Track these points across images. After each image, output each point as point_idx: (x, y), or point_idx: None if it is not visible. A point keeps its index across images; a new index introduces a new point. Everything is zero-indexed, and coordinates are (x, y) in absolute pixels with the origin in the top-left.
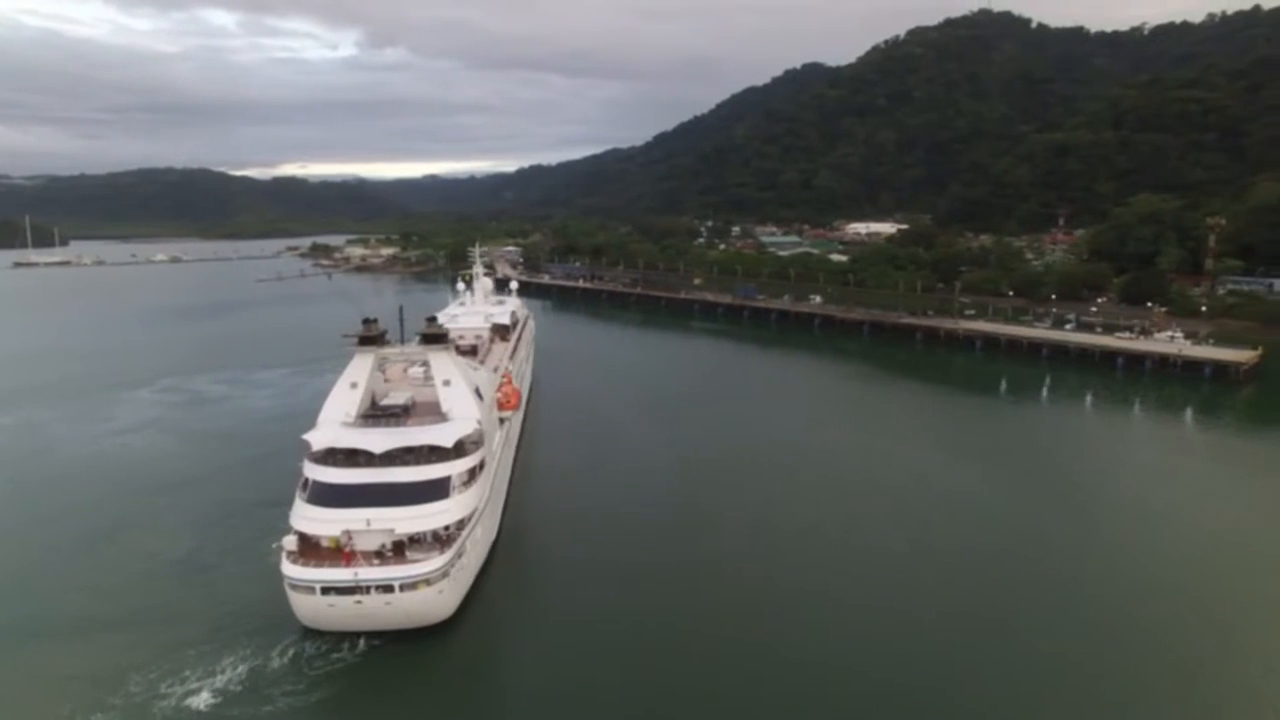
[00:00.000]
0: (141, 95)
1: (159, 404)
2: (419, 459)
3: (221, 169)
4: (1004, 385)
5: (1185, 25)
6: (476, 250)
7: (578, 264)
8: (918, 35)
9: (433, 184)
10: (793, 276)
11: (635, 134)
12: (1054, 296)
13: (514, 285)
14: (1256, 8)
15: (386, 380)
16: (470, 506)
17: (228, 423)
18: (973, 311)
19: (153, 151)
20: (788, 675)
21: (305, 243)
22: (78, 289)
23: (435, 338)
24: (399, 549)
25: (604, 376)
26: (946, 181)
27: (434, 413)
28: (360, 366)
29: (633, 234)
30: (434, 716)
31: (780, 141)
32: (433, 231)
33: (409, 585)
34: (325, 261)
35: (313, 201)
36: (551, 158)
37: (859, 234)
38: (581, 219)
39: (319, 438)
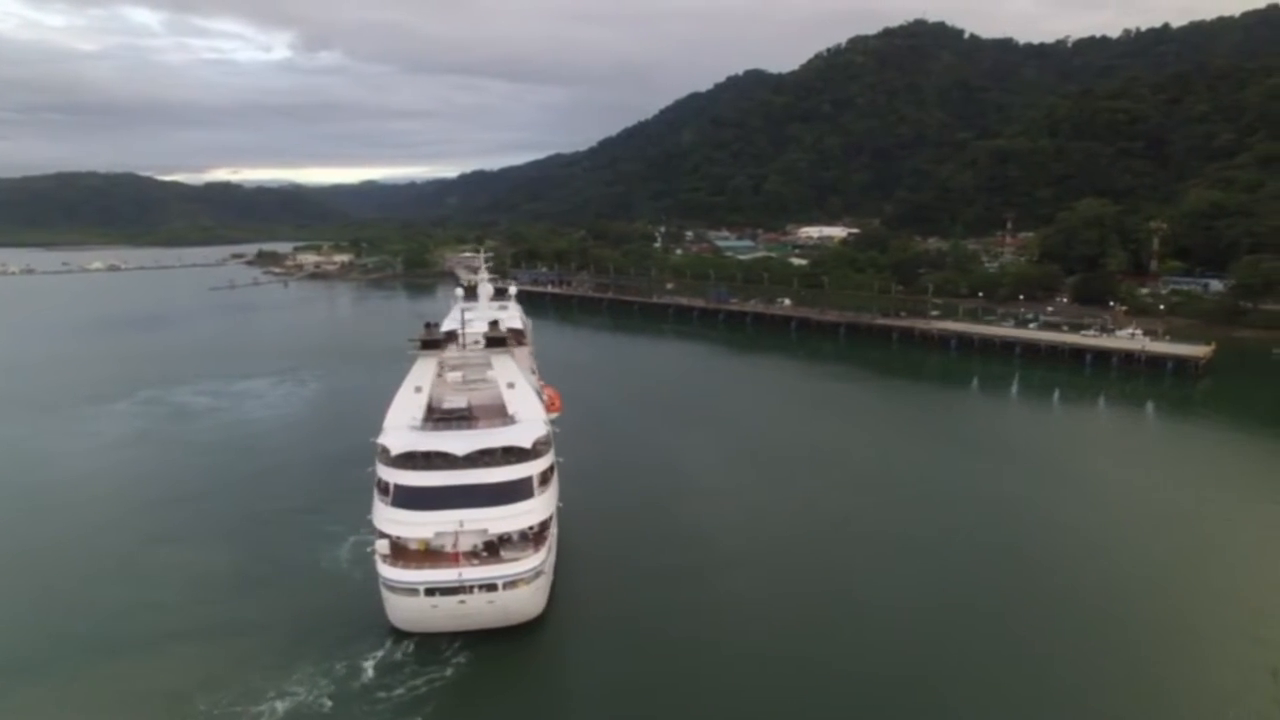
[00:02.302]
0: (56, 94)
1: (143, 416)
2: (495, 460)
3: (148, 174)
4: (985, 382)
5: (1104, 39)
6: (481, 255)
7: (544, 269)
8: (858, 44)
9: (372, 190)
10: (766, 280)
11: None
12: (1021, 297)
13: (513, 290)
14: (1166, 26)
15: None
16: (551, 505)
17: (224, 434)
18: (937, 312)
19: (71, 155)
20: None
21: (249, 250)
22: (11, 299)
23: (497, 341)
24: (492, 549)
25: (593, 380)
26: (891, 186)
27: (496, 415)
28: (424, 370)
29: (587, 239)
30: (545, 710)
31: (729, 147)
32: (381, 238)
33: (510, 584)
34: (277, 269)
35: (249, 208)
36: (493, 163)
37: (811, 237)
38: (531, 224)
39: (396, 442)
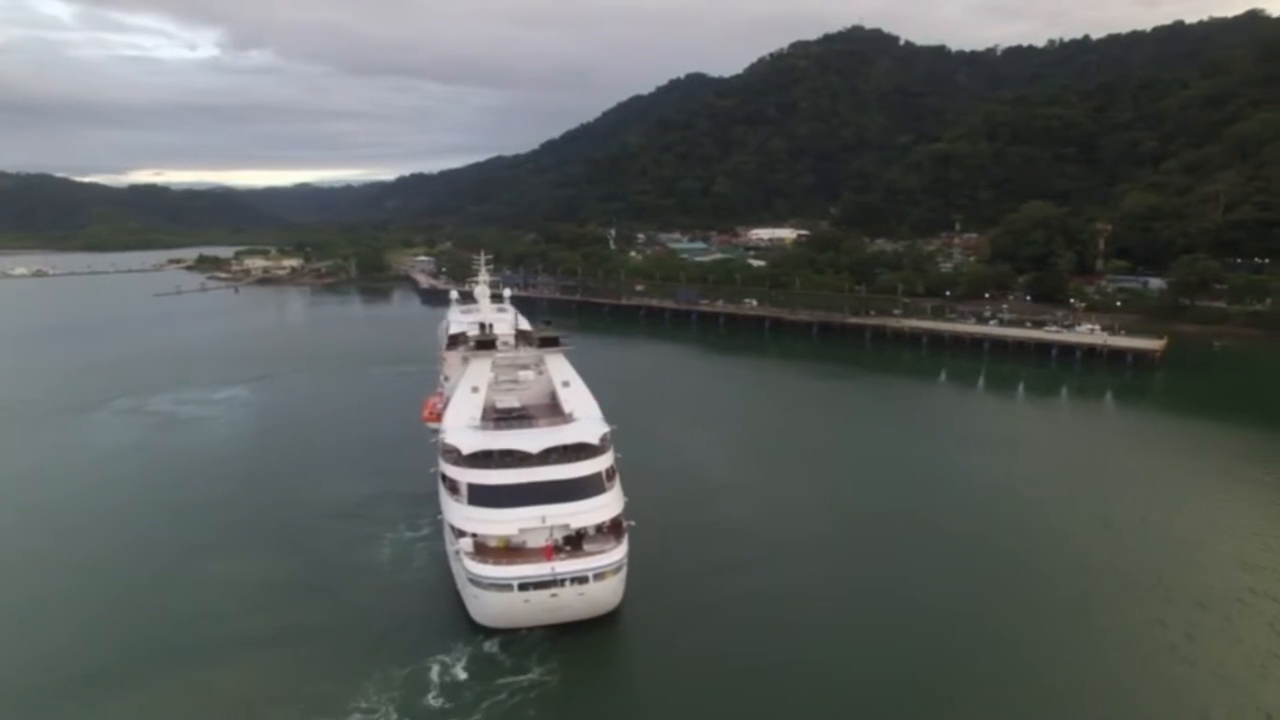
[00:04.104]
0: None
1: (131, 426)
2: (568, 457)
3: (64, 175)
4: (963, 377)
5: (1031, 48)
6: (482, 258)
7: (508, 272)
8: (800, 49)
9: (307, 192)
10: (739, 280)
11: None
12: (988, 295)
13: (507, 293)
14: (1087, 37)
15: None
16: (622, 499)
17: (223, 442)
18: (899, 311)
19: None
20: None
21: (186, 254)
22: None
23: (549, 341)
24: (574, 542)
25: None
26: (836, 189)
27: (549, 414)
28: (479, 371)
29: (540, 241)
30: (642, 698)
31: (675, 149)
32: (326, 242)
33: (599, 576)
34: (223, 274)
35: (178, 211)
36: (432, 166)
37: (762, 239)
38: (480, 228)
39: (466, 441)
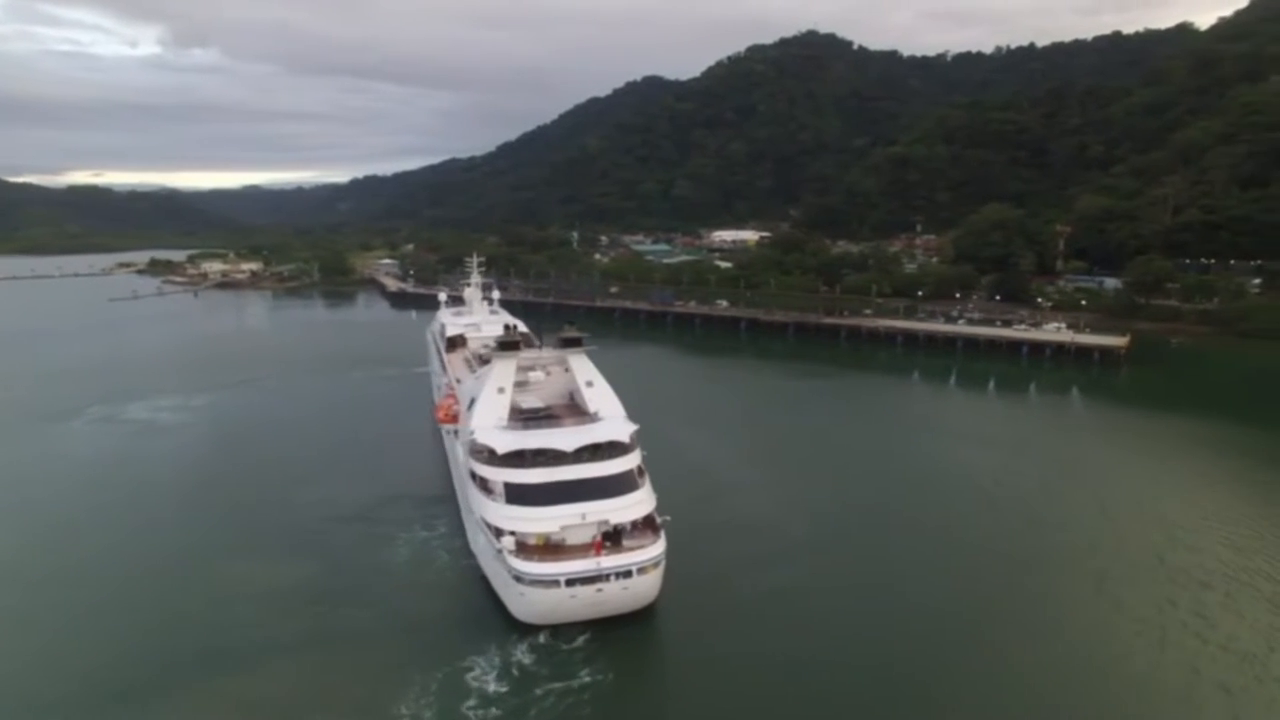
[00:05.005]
0: None
1: (112, 434)
2: (601, 455)
3: None
4: (938, 375)
5: (980, 55)
6: (474, 260)
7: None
8: (757, 52)
9: (256, 195)
10: (714, 282)
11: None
12: (959, 295)
13: (496, 295)
14: (1032, 45)
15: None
16: (653, 495)
17: (212, 449)
18: (870, 311)
19: None
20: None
21: (134, 258)
22: None
23: (572, 341)
24: (614, 538)
25: None
26: (795, 191)
27: (571, 413)
28: (504, 372)
29: (502, 244)
30: (687, 695)
31: (635, 152)
32: (283, 245)
33: (642, 570)
34: (179, 278)
35: (121, 214)
36: (385, 168)
37: (726, 241)
38: (439, 230)
39: (501, 441)
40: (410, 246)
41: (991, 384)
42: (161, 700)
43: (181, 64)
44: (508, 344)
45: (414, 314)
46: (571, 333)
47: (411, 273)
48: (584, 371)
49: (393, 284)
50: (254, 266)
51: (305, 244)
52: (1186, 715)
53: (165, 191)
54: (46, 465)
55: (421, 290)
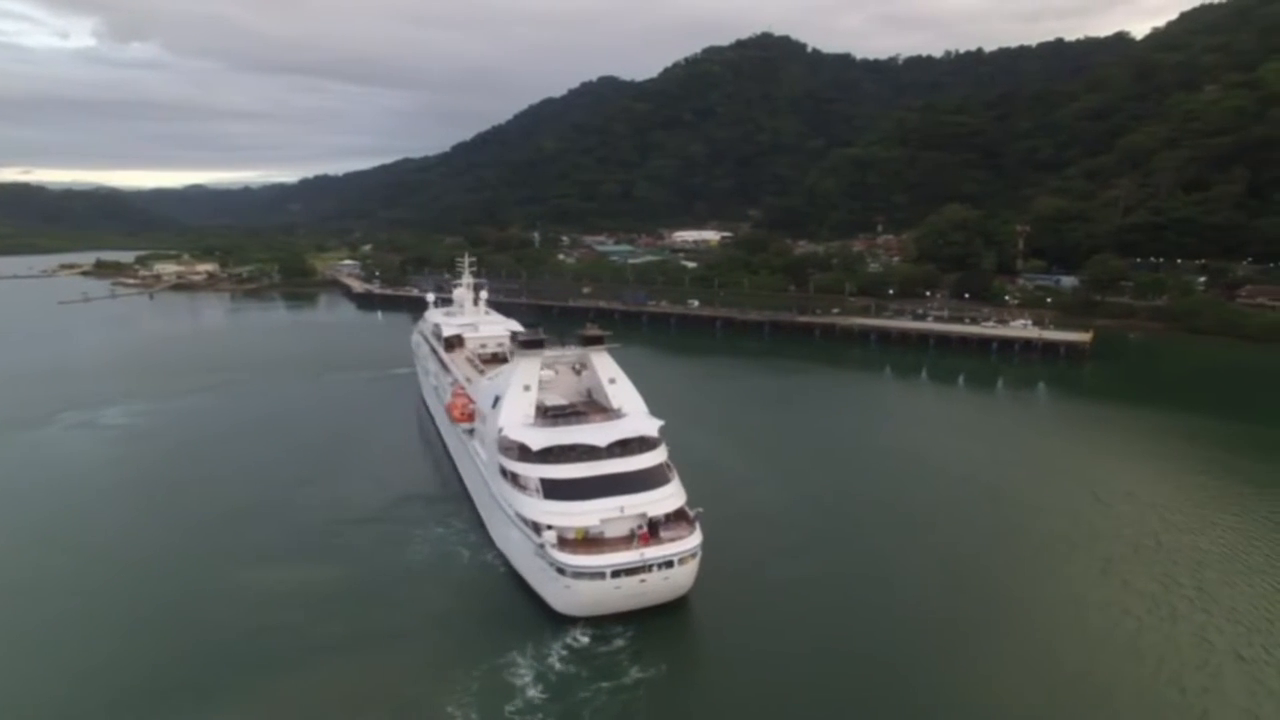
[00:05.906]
0: None
1: (92, 440)
2: (632, 450)
3: None
4: (912, 371)
5: (930, 58)
6: (465, 260)
7: (447, 275)
8: (714, 54)
9: (200, 195)
10: (687, 281)
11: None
12: (928, 294)
13: (484, 295)
14: (980, 50)
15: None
16: (683, 488)
17: (200, 453)
18: (838, 310)
19: None
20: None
21: (80, 259)
22: None
23: (594, 339)
24: (652, 530)
25: None
26: (754, 191)
27: (593, 409)
28: (529, 370)
29: (465, 244)
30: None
31: (594, 153)
32: (236, 246)
33: (682, 560)
34: (130, 280)
35: (55, 213)
36: (336, 168)
37: (688, 241)
38: (393, 231)
39: (535, 438)
40: (369, 247)
41: (962, 379)
42: (201, 710)
43: (118, 58)
44: (531, 342)
45: (380, 315)
46: (594, 330)
47: (378, 274)
48: (607, 369)
49: (358, 285)
50: (210, 268)
51: (259, 245)
52: (1209, 683)
53: (104, 191)
54: (25, 472)
55: (389, 291)
